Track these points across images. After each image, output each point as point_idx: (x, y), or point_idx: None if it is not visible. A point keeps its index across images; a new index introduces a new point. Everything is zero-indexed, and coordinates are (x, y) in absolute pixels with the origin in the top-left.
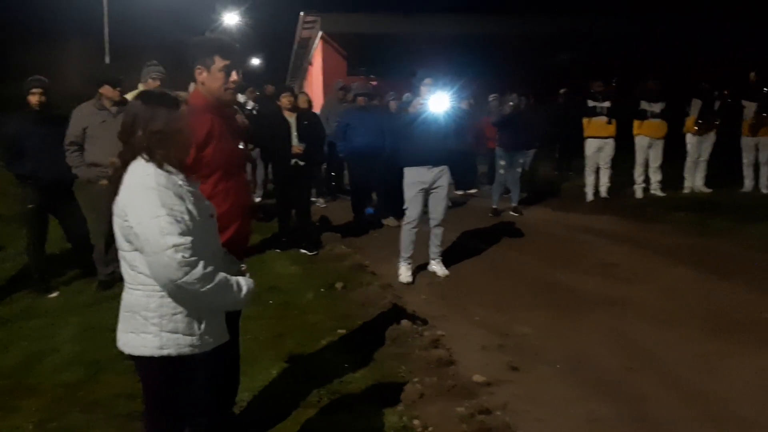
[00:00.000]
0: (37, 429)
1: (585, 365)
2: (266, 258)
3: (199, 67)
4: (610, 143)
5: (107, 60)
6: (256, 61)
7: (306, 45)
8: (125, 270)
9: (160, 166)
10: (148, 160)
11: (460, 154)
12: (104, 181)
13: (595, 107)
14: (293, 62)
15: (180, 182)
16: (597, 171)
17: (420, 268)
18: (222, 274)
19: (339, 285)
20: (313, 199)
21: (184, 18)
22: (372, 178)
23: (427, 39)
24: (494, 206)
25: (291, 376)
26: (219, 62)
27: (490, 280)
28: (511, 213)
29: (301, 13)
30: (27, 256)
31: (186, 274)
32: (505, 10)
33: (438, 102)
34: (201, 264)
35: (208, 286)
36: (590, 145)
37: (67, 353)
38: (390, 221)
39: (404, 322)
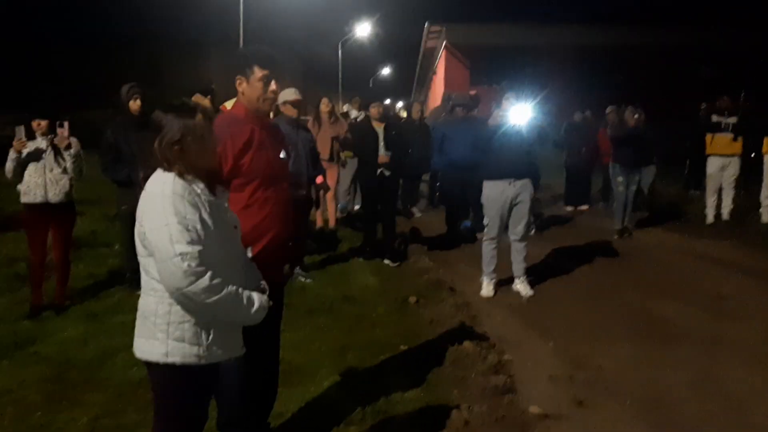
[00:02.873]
0: (90, 423)
1: (661, 406)
2: (348, 267)
3: (239, 77)
4: (735, 162)
5: None
6: (386, 71)
7: (431, 55)
8: (142, 275)
9: (180, 175)
10: (166, 169)
11: (573, 168)
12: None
13: (719, 123)
14: (419, 72)
15: (198, 191)
16: (720, 191)
17: (507, 287)
18: (232, 287)
19: (412, 300)
20: (414, 209)
21: (319, 30)
22: (468, 191)
23: (552, 50)
24: (617, 227)
25: (342, 391)
26: (258, 72)
27: (578, 304)
28: (633, 234)
29: (426, 24)
30: (122, 254)
31: (191, 283)
32: (633, 21)
33: (519, 114)
34: (208, 275)
35: (214, 298)
36: (713, 163)
37: None
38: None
39: (467, 344)
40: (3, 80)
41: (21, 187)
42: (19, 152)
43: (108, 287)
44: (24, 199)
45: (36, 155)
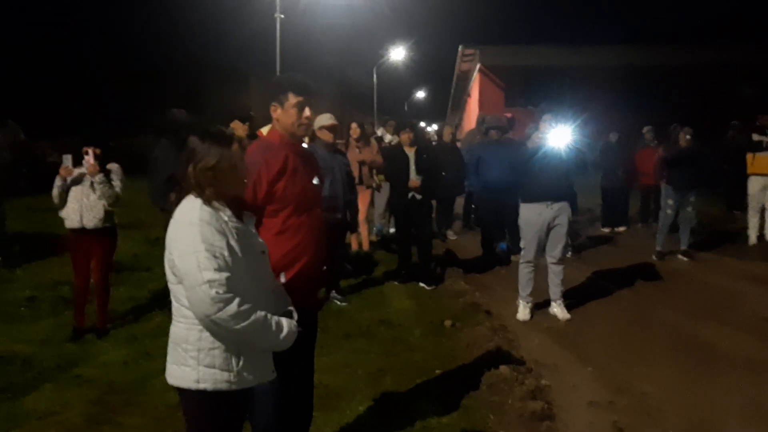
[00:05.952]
0: None
1: None
2: (385, 291)
3: (273, 104)
4: None
5: None
6: (421, 94)
7: (465, 77)
8: (172, 302)
9: (208, 202)
10: (197, 196)
11: (610, 189)
12: None
13: (761, 142)
14: (454, 94)
15: (226, 218)
16: (762, 211)
17: (544, 310)
18: (261, 313)
19: (448, 323)
20: (449, 232)
21: (355, 55)
22: (504, 213)
23: (586, 71)
24: (658, 248)
25: (378, 415)
26: (292, 99)
27: (618, 327)
28: (680, 257)
29: (460, 46)
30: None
31: (219, 310)
32: (669, 41)
33: (558, 136)
34: (236, 301)
35: (242, 324)
36: (754, 183)
37: None
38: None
39: (503, 368)
40: (51, 109)
41: (62, 213)
42: (65, 179)
43: (149, 311)
44: (66, 225)
45: (78, 181)
